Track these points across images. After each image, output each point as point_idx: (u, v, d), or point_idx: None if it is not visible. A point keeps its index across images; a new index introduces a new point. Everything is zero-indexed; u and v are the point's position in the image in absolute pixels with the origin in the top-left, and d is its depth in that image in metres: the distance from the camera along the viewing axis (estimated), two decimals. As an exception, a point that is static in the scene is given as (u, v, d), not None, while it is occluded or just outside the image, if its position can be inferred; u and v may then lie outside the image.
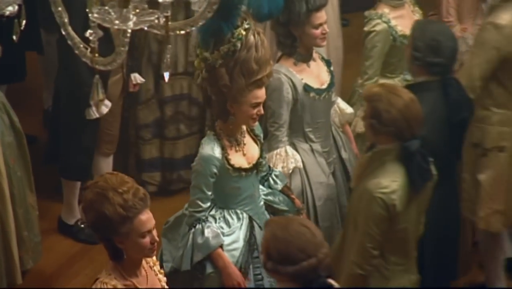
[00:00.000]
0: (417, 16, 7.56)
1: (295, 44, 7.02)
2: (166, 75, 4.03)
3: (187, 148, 8.67)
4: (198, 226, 6.29)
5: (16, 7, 3.60)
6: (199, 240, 6.24)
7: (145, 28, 3.53)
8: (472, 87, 7.05)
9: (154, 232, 5.27)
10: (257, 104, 6.27)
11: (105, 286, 5.20)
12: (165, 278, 5.70)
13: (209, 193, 6.30)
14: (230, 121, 6.27)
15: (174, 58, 8.25)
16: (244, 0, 6.38)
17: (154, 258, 5.65)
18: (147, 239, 5.19)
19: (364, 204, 5.94)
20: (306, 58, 7.07)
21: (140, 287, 5.37)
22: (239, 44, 6.17)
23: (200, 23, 3.67)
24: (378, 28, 7.17)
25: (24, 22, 3.66)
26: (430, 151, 6.30)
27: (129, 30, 3.47)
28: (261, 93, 6.29)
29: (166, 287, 5.67)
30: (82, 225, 7.94)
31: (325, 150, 7.33)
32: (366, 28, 7.45)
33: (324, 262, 4.93)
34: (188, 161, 8.10)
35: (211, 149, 6.26)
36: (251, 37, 6.24)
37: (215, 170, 6.22)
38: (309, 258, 4.85)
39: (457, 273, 7.11)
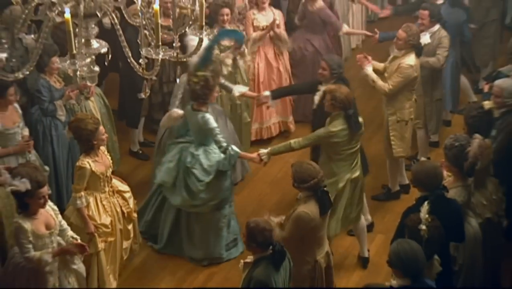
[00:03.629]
0: None
1: None
2: (178, 79, 4.09)
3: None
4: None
5: (106, 48, 3.57)
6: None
7: (167, 58, 3.51)
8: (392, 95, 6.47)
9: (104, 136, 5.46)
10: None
11: (83, 161, 5.29)
12: (109, 157, 5.64)
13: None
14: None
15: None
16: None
17: (105, 148, 5.62)
18: (103, 137, 5.39)
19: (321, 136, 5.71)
20: None
21: (99, 160, 5.41)
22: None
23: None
24: None
25: (110, 56, 3.64)
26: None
27: (159, 59, 3.48)
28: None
29: (110, 161, 5.61)
30: (140, 151, 7.63)
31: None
32: None
33: (322, 179, 4.94)
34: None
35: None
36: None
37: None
38: (314, 179, 4.86)
39: None
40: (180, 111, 6.38)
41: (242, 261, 4.59)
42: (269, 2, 7.47)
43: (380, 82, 6.45)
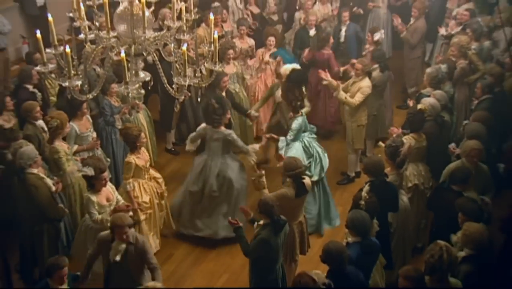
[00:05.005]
0: None
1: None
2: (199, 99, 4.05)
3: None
4: None
5: (149, 77, 3.56)
6: None
7: (192, 83, 3.48)
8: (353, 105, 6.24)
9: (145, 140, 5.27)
10: None
11: (130, 158, 5.18)
12: (149, 153, 5.47)
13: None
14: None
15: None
16: None
17: (145, 148, 5.43)
18: (143, 140, 5.25)
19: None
20: None
21: (141, 157, 5.28)
22: None
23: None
24: None
25: (152, 82, 3.63)
26: None
27: (187, 84, 3.46)
28: None
29: (148, 157, 5.36)
30: (173, 149, 7.33)
31: None
32: None
33: (302, 171, 4.83)
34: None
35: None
36: None
37: None
38: (293, 171, 4.74)
39: None
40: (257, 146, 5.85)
41: (256, 222, 4.49)
42: (274, 45, 7.24)
43: (350, 100, 6.25)
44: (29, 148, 4.91)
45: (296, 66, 6.34)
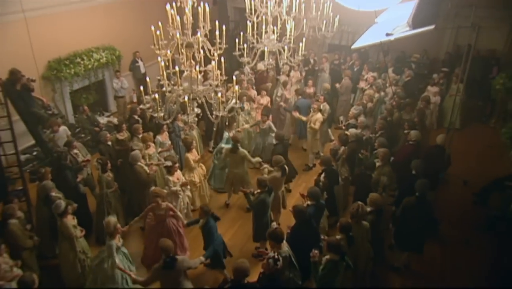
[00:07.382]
0: None
1: None
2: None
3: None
4: None
5: (200, 111, 3.48)
6: None
7: (223, 114, 3.33)
8: (315, 129, 5.76)
9: (195, 144, 4.69)
10: None
11: (187, 155, 4.56)
12: (198, 152, 4.88)
13: None
14: None
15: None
16: None
17: (195, 149, 4.81)
18: (195, 144, 4.70)
19: None
20: None
21: (193, 154, 4.82)
22: None
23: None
24: None
25: (201, 114, 3.56)
26: None
27: (220, 115, 3.32)
28: None
29: (198, 154, 4.77)
30: (212, 150, 6.78)
31: None
32: None
33: (283, 164, 4.45)
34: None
35: None
36: None
37: None
38: (281, 163, 4.38)
39: None
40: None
41: (255, 192, 4.28)
42: (266, 94, 7.00)
43: (313, 126, 5.87)
44: (136, 152, 4.91)
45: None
